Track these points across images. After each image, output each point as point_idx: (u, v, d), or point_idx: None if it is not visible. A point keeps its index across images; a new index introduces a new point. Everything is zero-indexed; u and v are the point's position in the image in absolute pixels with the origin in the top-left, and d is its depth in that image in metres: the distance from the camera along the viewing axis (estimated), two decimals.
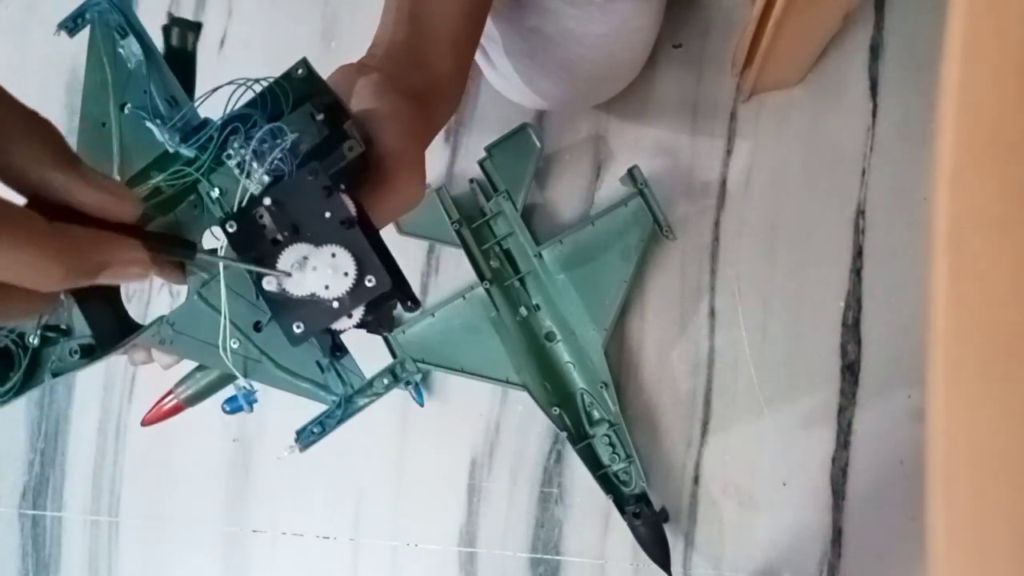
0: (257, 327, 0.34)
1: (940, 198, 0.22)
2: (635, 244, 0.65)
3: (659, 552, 0.62)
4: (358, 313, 0.31)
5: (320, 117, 0.33)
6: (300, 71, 0.32)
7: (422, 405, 0.71)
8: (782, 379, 0.67)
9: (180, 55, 0.36)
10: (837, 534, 0.65)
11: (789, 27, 0.56)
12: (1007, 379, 0.21)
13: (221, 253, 0.32)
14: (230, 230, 0.31)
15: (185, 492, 0.76)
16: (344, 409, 0.34)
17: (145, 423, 0.43)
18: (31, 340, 0.33)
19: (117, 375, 0.78)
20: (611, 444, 0.64)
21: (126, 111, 0.35)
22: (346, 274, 0.30)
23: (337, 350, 0.33)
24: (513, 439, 0.71)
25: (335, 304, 0.30)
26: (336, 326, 0.31)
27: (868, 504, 0.65)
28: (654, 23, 0.60)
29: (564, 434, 0.65)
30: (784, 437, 0.67)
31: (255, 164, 0.31)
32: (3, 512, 0.79)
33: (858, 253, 0.67)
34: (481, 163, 0.69)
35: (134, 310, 0.76)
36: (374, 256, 0.30)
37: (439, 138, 0.74)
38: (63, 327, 0.34)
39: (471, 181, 0.71)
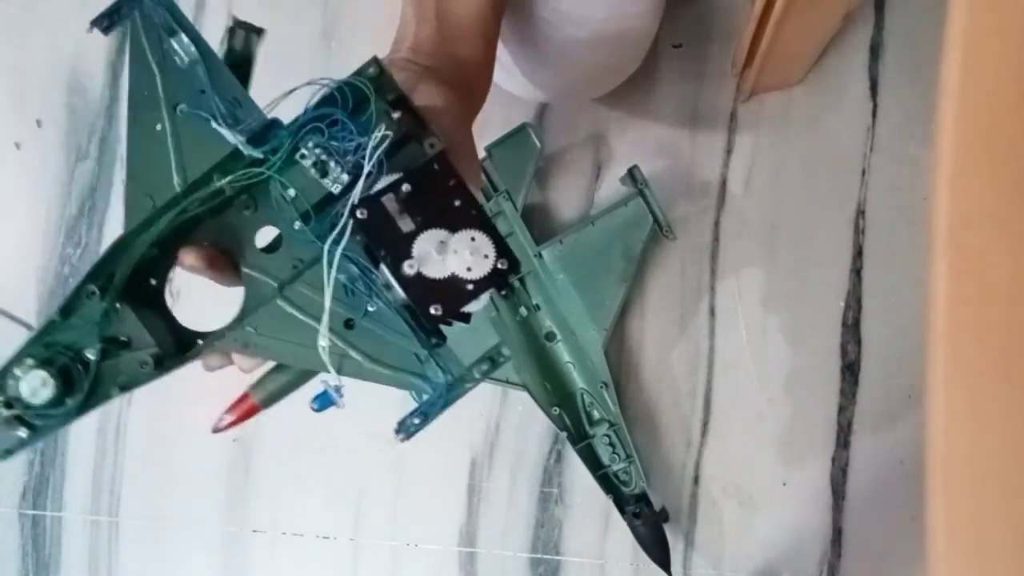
0: (348, 324, 0.34)
1: (940, 198, 0.22)
2: (635, 244, 0.65)
3: (659, 552, 0.62)
4: (486, 296, 0.31)
5: (397, 115, 0.33)
6: (372, 69, 0.33)
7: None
8: (782, 379, 0.67)
9: (241, 58, 0.36)
10: (837, 534, 0.65)
11: (789, 27, 0.56)
12: (1007, 379, 0.21)
13: (328, 245, 0.32)
14: (361, 216, 0.31)
15: (185, 492, 0.76)
16: (446, 397, 0.35)
17: (218, 430, 0.42)
18: (89, 355, 0.33)
19: None
20: (611, 444, 0.64)
21: (179, 112, 0.34)
22: (486, 256, 0.31)
23: (440, 337, 0.33)
24: (513, 439, 0.71)
25: (470, 286, 0.31)
26: (467, 308, 0.31)
27: (868, 504, 0.65)
28: (654, 9, 0.59)
29: (564, 434, 0.65)
30: (784, 437, 0.67)
31: (332, 163, 0.32)
32: (3, 512, 0.79)
33: (858, 253, 0.67)
34: (481, 163, 0.69)
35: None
36: (505, 241, 0.32)
37: None
38: (123, 339, 0.33)
39: None
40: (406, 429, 0.34)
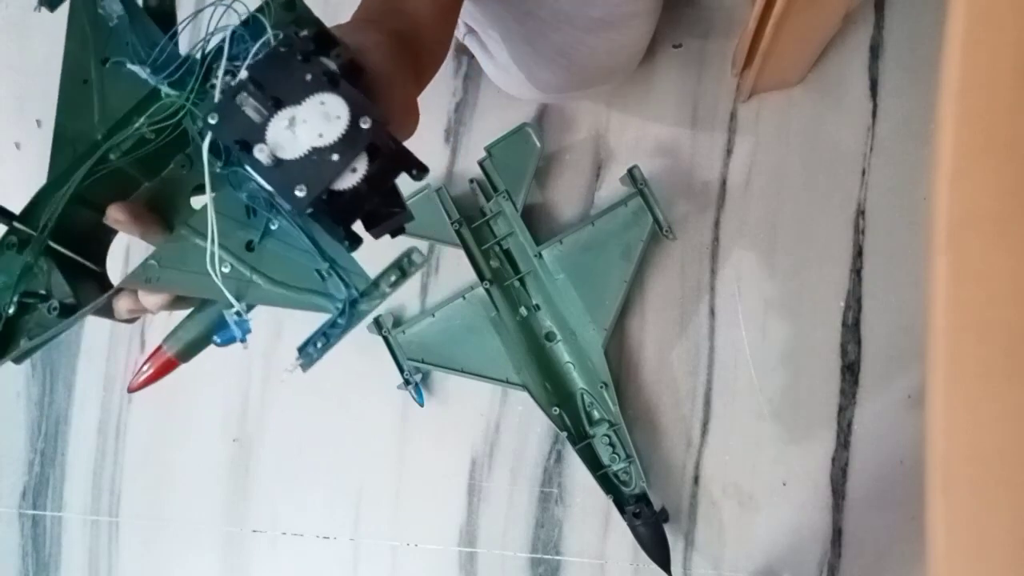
0: (249, 247, 0.32)
1: (940, 198, 0.22)
2: (635, 244, 0.65)
3: (659, 552, 0.62)
4: (362, 166, 0.28)
5: (304, 33, 0.30)
6: None
7: (422, 405, 0.71)
8: (782, 379, 0.67)
9: (158, 14, 0.36)
10: (837, 534, 0.65)
11: (789, 27, 0.56)
12: (1007, 379, 0.21)
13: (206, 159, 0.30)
14: (212, 121, 0.28)
15: (185, 492, 0.76)
16: (349, 315, 0.31)
17: (133, 389, 0.40)
18: (6, 310, 0.32)
19: (117, 375, 0.78)
20: (611, 444, 0.64)
21: (107, 65, 0.34)
22: (338, 117, 0.28)
23: (351, 239, 0.30)
24: (513, 439, 0.71)
25: (333, 156, 0.27)
26: (340, 184, 0.28)
27: (868, 504, 0.65)
28: (652, 9, 0.59)
29: (564, 434, 0.65)
30: (784, 437, 0.67)
31: (234, 82, 0.29)
32: (3, 512, 0.79)
33: (858, 253, 0.67)
34: (481, 163, 0.69)
35: None
36: (364, 97, 0.28)
37: (439, 138, 0.74)
38: (41, 292, 0.33)
39: (471, 181, 0.71)
40: (307, 356, 0.31)
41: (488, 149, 0.69)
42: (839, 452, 0.66)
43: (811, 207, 0.68)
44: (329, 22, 0.34)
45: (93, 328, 0.79)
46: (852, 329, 0.67)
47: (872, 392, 0.66)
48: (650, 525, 0.62)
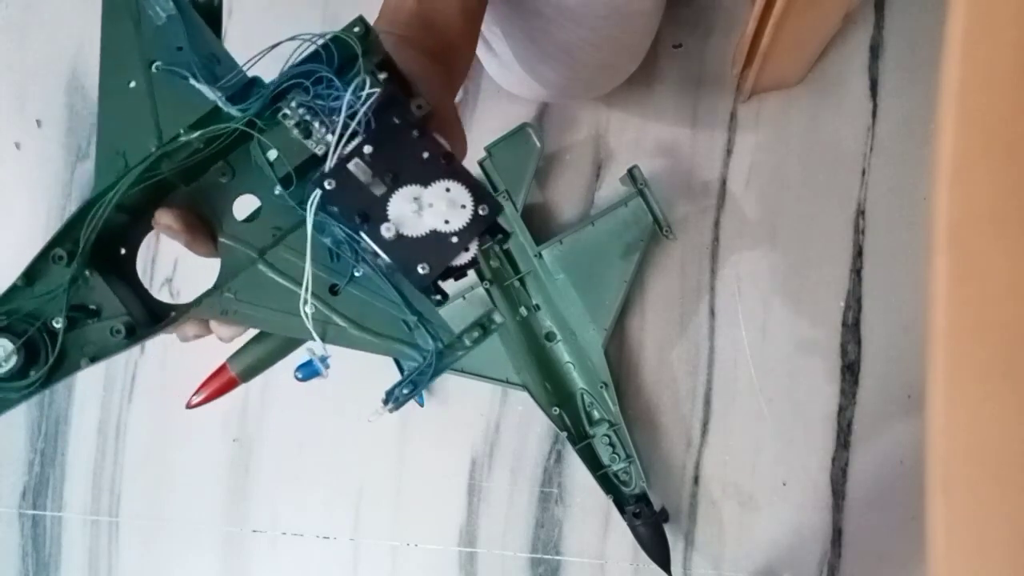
0: (333, 290, 0.33)
1: (940, 198, 0.22)
2: (635, 244, 0.65)
3: (659, 552, 0.62)
4: (474, 246, 0.30)
5: (384, 76, 0.31)
6: (358, 28, 0.31)
7: (422, 405, 0.71)
8: (782, 379, 0.67)
9: (206, 12, 0.35)
10: (837, 534, 0.65)
11: (789, 27, 0.56)
12: (1007, 379, 0.21)
13: (310, 211, 0.30)
14: (328, 187, 0.29)
15: (185, 492, 0.76)
16: (436, 365, 0.33)
17: (192, 406, 0.40)
18: (56, 324, 0.30)
19: (117, 375, 0.78)
20: (611, 444, 0.64)
21: (155, 69, 0.32)
22: (463, 206, 0.30)
23: (441, 295, 0.32)
24: (513, 439, 0.71)
25: (454, 239, 0.30)
26: (456, 261, 0.30)
27: (868, 504, 0.65)
28: (656, 7, 0.59)
29: (564, 434, 0.65)
30: (784, 437, 0.67)
31: (317, 123, 0.30)
32: (3, 512, 0.79)
33: (858, 253, 0.67)
34: (481, 163, 0.69)
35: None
36: (483, 185, 0.31)
37: None
38: (91, 307, 0.31)
39: None
40: (395, 399, 0.33)
41: (488, 149, 0.69)
42: (839, 452, 0.66)
43: (811, 207, 0.68)
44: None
45: None
46: (852, 329, 0.67)
47: (872, 392, 0.66)
48: (650, 525, 0.62)
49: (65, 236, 0.31)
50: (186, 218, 0.32)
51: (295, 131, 0.30)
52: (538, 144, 0.68)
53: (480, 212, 0.30)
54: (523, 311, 0.67)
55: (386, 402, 0.33)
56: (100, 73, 0.33)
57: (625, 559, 0.68)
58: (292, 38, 0.31)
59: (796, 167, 0.69)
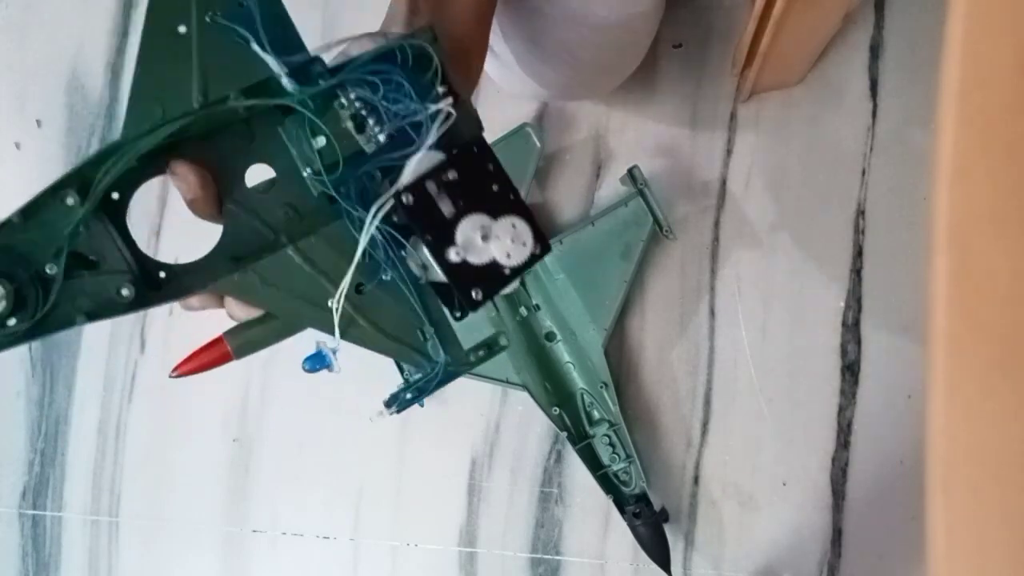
0: (359, 289, 0.33)
1: (940, 198, 0.22)
2: (635, 244, 0.65)
3: (659, 552, 0.62)
4: (517, 280, 0.33)
5: (443, 90, 0.32)
6: (427, 34, 0.32)
7: (422, 405, 0.71)
8: (782, 379, 0.67)
9: None
10: (837, 534, 0.65)
11: (789, 27, 0.56)
12: (1007, 379, 0.21)
13: (373, 218, 0.30)
14: (406, 202, 0.30)
15: (185, 492, 0.76)
16: (442, 377, 0.35)
17: (178, 373, 0.37)
18: (51, 270, 0.28)
19: (117, 375, 0.78)
20: (611, 444, 0.64)
21: (209, 19, 0.29)
22: (524, 244, 0.32)
23: (465, 314, 0.33)
24: (513, 439, 0.71)
25: (507, 271, 0.32)
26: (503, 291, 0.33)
27: (868, 504, 0.65)
28: (656, 7, 0.59)
29: (564, 434, 0.65)
30: (784, 437, 0.67)
31: (372, 120, 0.30)
32: (3, 512, 0.79)
33: (858, 253, 0.67)
34: None
35: None
36: (541, 229, 0.33)
37: None
38: (91, 258, 0.29)
39: None
40: (399, 403, 0.34)
41: None
42: (839, 452, 0.66)
43: (811, 207, 0.68)
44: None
45: (93, 328, 0.79)
46: (852, 329, 0.66)
47: (872, 392, 0.66)
48: (650, 525, 0.62)
49: (77, 176, 0.28)
50: (201, 173, 0.31)
51: (349, 123, 0.30)
52: (538, 144, 0.68)
53: (535, 252, 0.33)
54: (523, 311, 0.67)
55: (389, 405, 0.34)
56: (146, 17, 0.29)
57: (625, 559, 0.68)
58: (365, 35, 0.31)
59: (796, 167, 0.69)
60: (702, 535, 0.67)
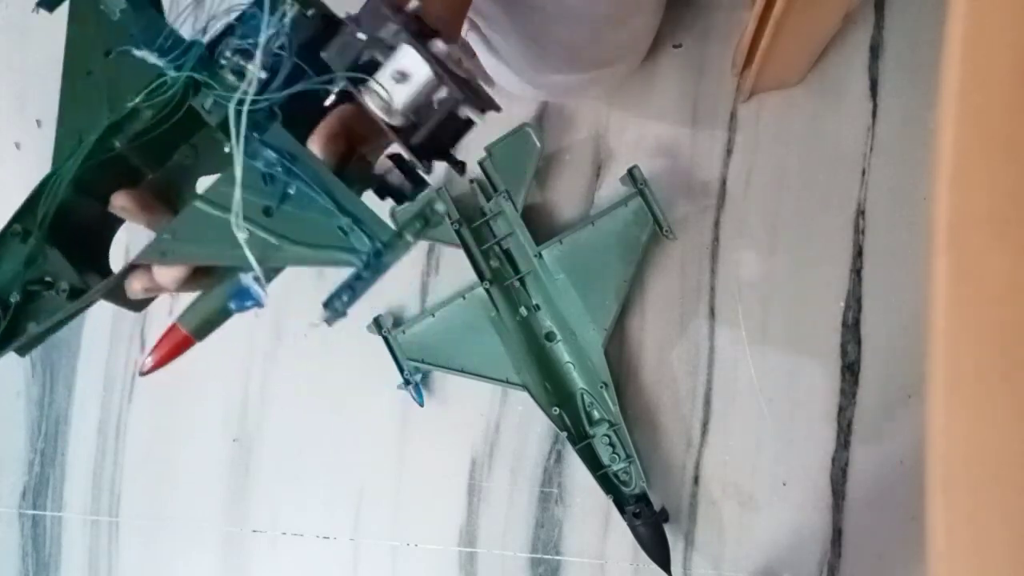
0: (267, 212, 0.33)
1: (940, 198, 0.22)
2: (635, 244, 0.65)
3: (659, 552, 0.62)
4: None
5: (311, 12, 0.32)
6: None
7: (422, 405, 0.71)
8: (782, 379, 0.67)
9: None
10: (837, 534, 0.65)
11: (789, 27, 0.56)
12: (1007, 379, 0.21)
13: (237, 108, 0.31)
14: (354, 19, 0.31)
15: (185, 492, 0.76)
16: (375, 267, 0.32)
17: (145, 372, 0.38)
18: (12, 299, 0.32)
19: (117, 375, 0.78)
20: (611, 444, 0.64)
21: (111, 56, 0.34)
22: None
23: (419, 184, 0.33)
24: (513, 439, 0.71)
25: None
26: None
27: (868, 504, 0.65)
28: (656, 7, 0.59)
29: (564, 434, 0.65)
30: (784, 437, 0.67)
31: (250, 65, 0.31)
32: (3, 512, 0.79)
33: (858, 253, 0.67)
34: (481, 163, 0.69)
35: None
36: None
37: None
38: (46, 279, 0.33)
39: (471, 181, 0.71)
40: (333, 308, 0.32)
41: (488, 149, 0.69)
42: (839, 452, 0.66)
43: (811, 207, 0.68)
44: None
45: (93, 328, 0.79)
46: (852, 329, 0.66)
47: (872, 392, 0.66)
48: (650, 525, 0.62)
49: (24, 213, 0.32)
50: (141, 199, 0.34)
51: (231, 77, 0.32)
52: (538, 144, 0.68)
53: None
54: (523, 311, 0.67)
55: (326, 307, 0.32)
56: (63, 69, 0.35)
57: (625, 559, 0.68)
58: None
59: (796, 167, 0.69)
60: (702, 535, 0.67)
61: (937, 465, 0.21)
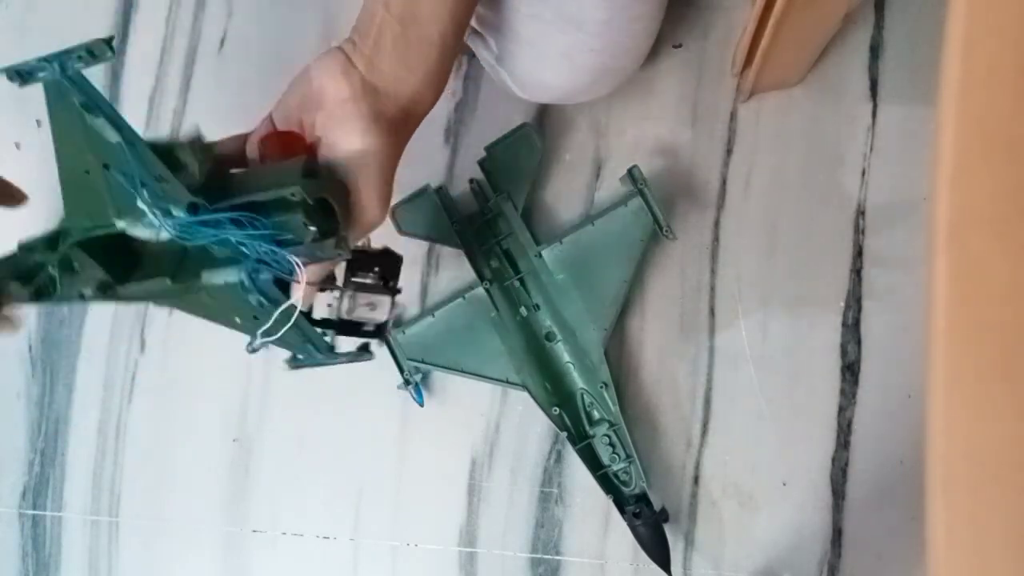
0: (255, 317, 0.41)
1: (940, 198, 0.22)
2: (635, 244, 0.65)
3: (659, 552, 0.62)
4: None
5: (313, 230, 0.37)
6: (294, 195, 0.36)
7: (422, 405, 0.71)
8: (782, 379, 0.67)
9: (164, 154, 0.39)
10: (837, 534, 0.65)
11: (789, 27, 0.56)
12: (1007, 379, 0.21)
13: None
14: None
15: (185, 492, 0.76)
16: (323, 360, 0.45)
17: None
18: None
19: (117, 375, 0.78)
20: (611, 444, 0.64)
21: (111, 171, 0.37)
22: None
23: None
24: (513, 439, 0.71)
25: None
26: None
27: (868, 504, 0.65)
28: (656, 11, 0.59)
29: (564, 434, 0.65)
30: (784, 437, 0.67)
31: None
32: (3, 512, 0.79)
33: (858, 253, 0.67)
34: (481, 163, 0.69)
35: None
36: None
37: (439, 138, 0.74)
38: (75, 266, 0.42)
39: (471, 181, 0.71)
40: (296, 362, 0.46)
41: (488, 149, 0.69)
42: (839, 452, 0.66)
43: (811, 207, 0.68)
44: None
45: (93, 328, 0.79)
46: (852, 329, 0.67)
47: (872, 392, 0.66)
48: (650, 525, 0.62)
49: (48, 236, 0.44)
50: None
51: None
52: (538, 144, 0.68)
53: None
54: (523, 311, 0.67)
55: (287, 361, 0.46)
56: (57, 158, 0.39)
57: (625, 559, 0.68)
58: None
59: (796, 167, 0.69)
60: (702, 535, 0.67)
61: (937, 465, 0.21)
